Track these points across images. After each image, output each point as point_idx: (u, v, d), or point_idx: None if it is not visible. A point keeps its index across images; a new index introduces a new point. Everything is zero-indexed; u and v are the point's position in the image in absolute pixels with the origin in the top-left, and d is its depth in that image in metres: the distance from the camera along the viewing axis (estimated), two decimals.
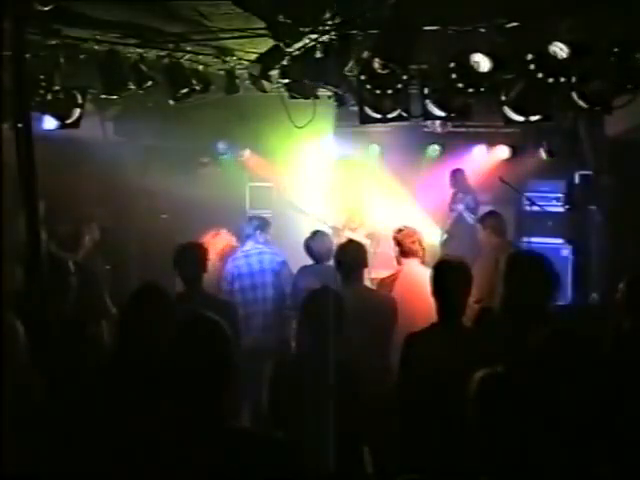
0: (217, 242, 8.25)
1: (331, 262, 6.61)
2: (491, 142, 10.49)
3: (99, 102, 7.45)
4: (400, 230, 6.30)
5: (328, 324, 4.17)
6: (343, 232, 9.29)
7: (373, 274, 7.77)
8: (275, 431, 2.92)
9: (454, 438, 3.67)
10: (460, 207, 9.87)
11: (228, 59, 6.84)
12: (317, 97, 6.60)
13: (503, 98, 5.80)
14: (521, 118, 5.78)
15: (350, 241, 6.19)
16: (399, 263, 6.27)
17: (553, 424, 2.92)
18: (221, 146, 10.71)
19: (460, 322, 4.46)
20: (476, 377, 3.09)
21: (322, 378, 3.92)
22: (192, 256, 5.72)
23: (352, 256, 5.75)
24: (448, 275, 4.57)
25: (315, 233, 6.96)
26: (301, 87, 6.34)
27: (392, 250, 6.35)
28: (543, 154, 9.64)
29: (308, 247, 6.84)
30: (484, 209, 8.88)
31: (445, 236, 10.00)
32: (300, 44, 5.83)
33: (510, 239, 8.07)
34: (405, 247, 6.21)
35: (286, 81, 6.37)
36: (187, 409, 2.67)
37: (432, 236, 9.52)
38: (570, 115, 8.53)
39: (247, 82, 6.98)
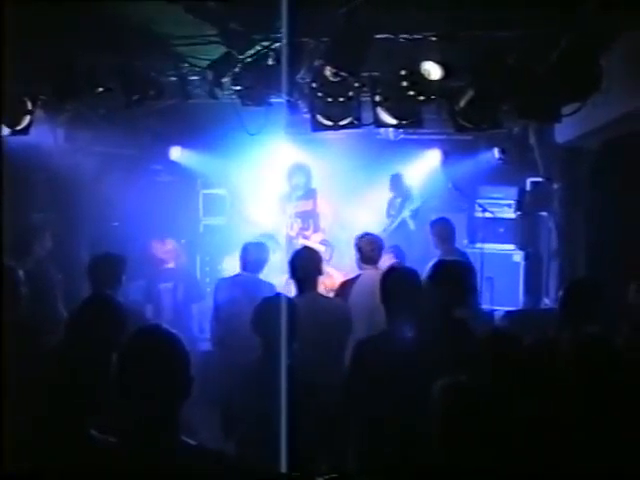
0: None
1: (260, 274, 6.65)
2: (444, 148, 10.58)
3: (50, 108, 7.36)
4: (362, 237, 6.37)
5: (279, 333, 4.16)
6: (297, 239, 9.28)
7: (328, 281, 7.82)
8: (227, 444, 2.87)
9: (407, 443, 3.73)
10: (405, 213, 9.94)
11: (180, 66, 6.80)
12: (270, 104, 6.61)
13: (454, 106, 5.88)
14: (471, 125, 5.87)
15: (304, 248, 6.21)
16: (359, 269, 6.35)
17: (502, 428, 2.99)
18: (174, 153, 10.65)
19: (410, 329, 4.51)
20: (437, 386, 3.14)
21: (274, 386, 3.91)
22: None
23: (306, 263, 5.75)
24: (397, 282, 4.63)
25: (252, 243, 6.93)
26: (253, 94, 6.34)
27: (353, 255, 6.44)
28: (495, 161, 9.77)
29: (240, 256, 6.80)
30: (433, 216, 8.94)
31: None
32: (252, 51, 5.84)
33: (457, 246, 8.15)
34: (365, 254, 6.28)
35: (238, 88, 6.37)
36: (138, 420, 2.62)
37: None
38: (521, 122, 8.67)
39: (200, 89, 6.96)
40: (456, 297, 4.72)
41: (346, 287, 6.26)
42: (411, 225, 9.79)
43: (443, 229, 7.96)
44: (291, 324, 4.27)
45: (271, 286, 6.51)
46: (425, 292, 4.64)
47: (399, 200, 10.01)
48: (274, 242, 8.18)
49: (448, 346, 4.25)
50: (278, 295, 4.60)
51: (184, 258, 8.83)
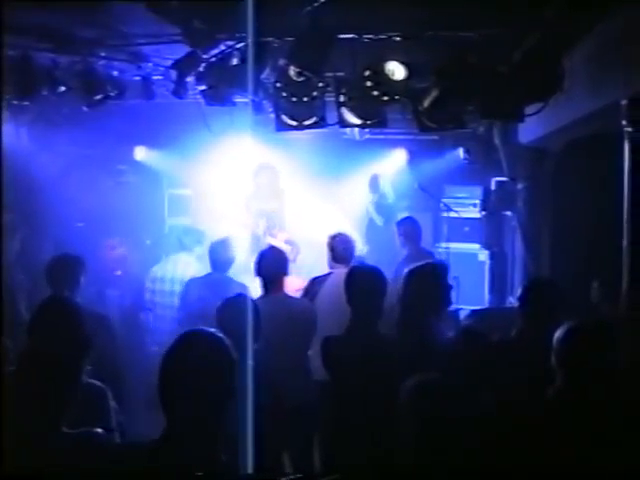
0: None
1: (229, 272, 6.63)
2: (410, 148, 10.63)
3: (12, 108, 7.27)
4: (335, 236, 6.38)
5: (243, 334, 4.15)
6: (264, 238, 9.26)
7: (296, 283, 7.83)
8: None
9: (376, 438, 3.74)
10: (369, 207, 9.99)
11: (144, 65, 6.75)
12: (234, 104, 6.58)
13: (418, 106, 5.90)
14: (436, 125, 5.89)
15: (270, 248, 6.20)
16: (331, 267, 6.37)
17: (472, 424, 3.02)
18: (139, 153, 10.57)
19: (375, 328, 4.52)
20: (408, 385, 3.16)
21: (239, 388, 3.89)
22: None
23: (272, 264, 5.74)
24: (361, 282, 4.65)
25: (217, 241, 6.89)
26: (218, 94, 6.31)
27: (319, 256, 6.45)
28: (461, 160, 9.82)
29: (210, 251, 6.79)
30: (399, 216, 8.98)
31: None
32: (216, 50, 5.81)
33: (423, 246, 8.19)
34: (337, 253, 6.29)
35: (203, 87, 6.33)
36: None
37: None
38: (485, 122, 8.73)
39: (163, 88, 6.91)
40: (433, 306, 4.75)
41: (315, 286, 6.25)
42: (378, 221, 9.83)
43: (409, 229, 8.01)
44: (255, 325, 4.26)
45: (242, 286, 6.51)
46: (401, 300, 4.66)
47: (377, 196, 10.09)
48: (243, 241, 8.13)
49: (417, 345, 4.27)
50: (242, 296, 4.59)
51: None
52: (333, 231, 6.52)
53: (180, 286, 7.02)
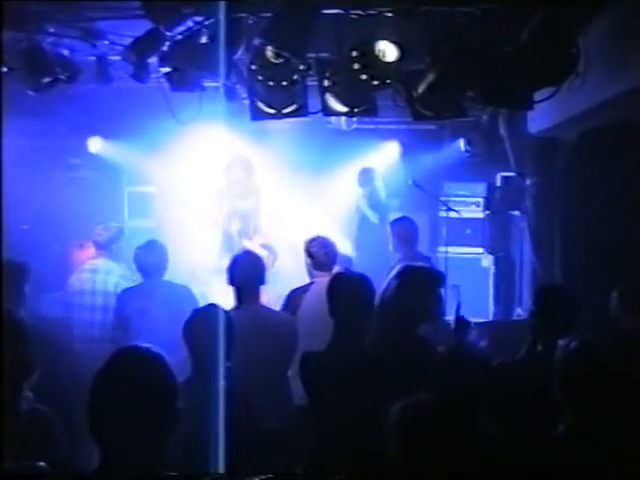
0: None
1: (164, 276, 6.67)
2: (403, 140, 10.67)
3: None
4: (312, 240, 6.37)
5: (214, 350, 4.15)
6: (238, 241, 9.26)
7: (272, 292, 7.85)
8: None
9: (360, 468, 3.75)
10: (361, 203, 10.02)
11: (99, 43, 6.73)
12: (203, 89, 6.58)
13: (413, 92, 5.92)
14: (433, 114, 5.91)
15: (245, 253, 6.20)
16: (311, 276, 6.36)
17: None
18: (94, 145, 10.54)
19: (360, 343, 4.53)
20: (396, 407, 3.17)
21: (207, 411, 3.89)
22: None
23: (247, 270, 5.73)
24: (345, 291, 4.66)
25: (142, 244, 6.86)
26: (184, 77, 6.30)
27: (304, 262, 6.45)
28: (461, 154, 9.85)
29: (135, 259, 6.79)
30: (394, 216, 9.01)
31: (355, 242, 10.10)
32: (182, 27, 5.80)
33: (419, 250, 8.21)
34: (317, 259, 6.29)
35: (167, 70, 6.32)
36: None
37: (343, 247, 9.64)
38: (489, 110, 8.76)
39: (122, 71, 6.89)
40: (422, 312, 4.78)
41: (296, 297, 6.24)
42: (372, 217, 9.87)
43: (404, 230, 8.04)
44: (228, 340, 4.26)
45: (186, 289, 6.54)
46: (386, 304, 4.68)
47: (368, 192, 10.15)
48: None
49: (406, 363, 4.27)
50: (213, 306, 4.58)
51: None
52: (309, 235, 6.52)
53: (103, 299, 7.02)
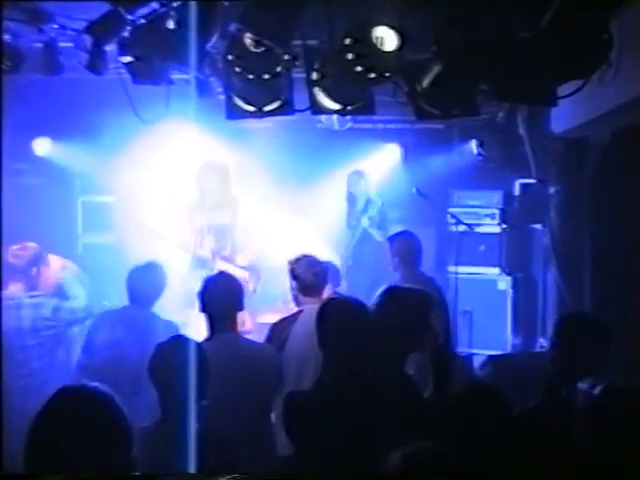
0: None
1: (153, 307, 6.67)
2: (404, 141, 10.70)
3: None
4: (298, 259, 6.37)
5: (184, 389, 4.15)
6: (214, 262, 9.27)
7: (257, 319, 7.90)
8: None
9: None
10: (364, 221, 10.03)
11: (47, 28, 6.73)
12: (171, 82, 6.59)
13: (416, 86, 5.95)
14: (439, 111, 5.94)
15: (220, 274, 6.20)
16: (299, 303, 6.34)
17: None
18: (41, 147, 10.54)
19: (353, 380, 4.54)
20: (396, 456, 3.18)
21: (178, 456, 3.90)
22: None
23: (223, 295, 5.73)
24: (337, 320, 4.67)
25: (140, 265, 6.89)
26: (148, 68, 6.32)
27: (289, 286, 6.45)
28: (473, 157, 9.88)
29: (126, 285, 6.81)
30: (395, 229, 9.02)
31: (349, 262, 10.10)
32: (146, 10, 5.82)
33: (422, 271, 8.20)
34: (304, 282, 6.29)
35: (128, 59, 6.33)
36: None
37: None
38: (505, 107, 8.80)
39: (75, 60, 6.89)
40: (413, 339, 4.79)
41: (282, 329, 6.24)
42: (377, 236, 9.89)
43: (406, 247, 8.04)
44: (200, 377, 4.27)
45: (170, 324, 6.54)
46: (372, 332, 4.69)
47: (360, 205, 10.13)
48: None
49: (405, 403, 4.29)
50: (181, 339, 4.58)
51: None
52: (295, 254, 6.52)
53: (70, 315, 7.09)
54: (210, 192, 9.45)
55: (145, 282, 6.72)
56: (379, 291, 5.11)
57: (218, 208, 9.47)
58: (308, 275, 6.31)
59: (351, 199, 10.43)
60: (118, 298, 8.23)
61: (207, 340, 5.48)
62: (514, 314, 10.05)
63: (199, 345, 4.57)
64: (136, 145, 9.61)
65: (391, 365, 4.68)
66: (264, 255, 9.84)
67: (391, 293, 5.06)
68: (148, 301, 6.68)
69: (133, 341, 6.27)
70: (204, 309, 5.72)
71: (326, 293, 6.43)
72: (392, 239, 8.18)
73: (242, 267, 9.29)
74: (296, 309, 6.41)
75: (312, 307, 5.89)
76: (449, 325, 7.61)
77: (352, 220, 10.31)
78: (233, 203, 9.59)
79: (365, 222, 10.02)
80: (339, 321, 4.71)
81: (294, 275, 6.35)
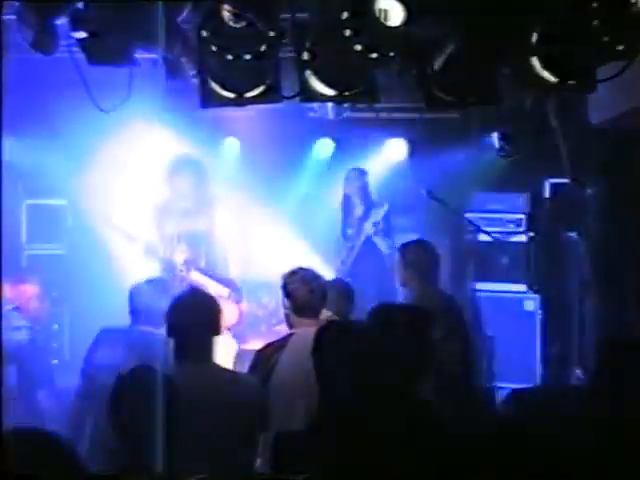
0: None
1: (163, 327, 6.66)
2: (412, 134, 10.70)
3: None
4: (293, 273, 6.36)
5: (150, 429, 4.16)
6: (185, 275, 9.27)
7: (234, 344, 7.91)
8: None
9: None
10: (367, 228, 10.01)
11: None
12: (135, 62, 6.59)
13: (426, 68, 5.97)
14: (454, 98, 5.95)
15: (193, 292, 6.21)
16: (291, 325, 6.34)
17: None
18: None
19: (363, 421, 4.54)
20: None
21: None
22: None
23: (196, 316, 5.71)
24: (339, 347, 4.68)
25: (146, 281, 7.02)
26: (107, 46, 6.32)
27: (282, 304, 6.46)
28: (494, 153, 9.90)
29: (131, 298, 6.90)
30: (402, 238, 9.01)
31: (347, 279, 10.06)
32: None
33: (440, 286, 8.18)
34: (300, 300, 6.28)
35: (82, 35, 6.33)
36: None
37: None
38: (533, 93, 8.81)
39: (18, 36, 6.89)
40: (412, 368, 4.81)
41: (268, 356, 6.23)
42: (382, 247, 9.88)
43: (422, 257, 7.93)
44: (169, 415, 4.27)
45: None
46: (379, 362, 4.70)
47: (360, 210, 10.15)
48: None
49: (415, 448, 4.29)
50: (146, 369, 4.59)
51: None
52: (287, 267, 6.52)
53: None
54: (182, 193, 9.46)
55: (149, 298, 6.85)
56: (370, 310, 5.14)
57: (192, 212, 9.48)
58: (303, 292, 6.30)
59: (348, 203, 10.42)
60: (70, 317, 8.29)
61: (177, 370, 5.45)
62: (544, 339, 10.04)
63: (167, 378, 4.56)
64: (93, 138, 9.61)
65: (397, 402, 4.68)
66: (246, 268, 9.85)
67: (383, 312, 5.09)
68: (154, 319, 6.73)
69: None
70: (173, 333, 5.69)
71: (324, 314, 6.43)
72: (404, 248, 8.05)
73: (220, 282, 9.28)
74: (281, 332, 6.43)
75: (305, 331, 5.90)
76: (469, 352, 7.61)
77: (350, 228, 10.30)
78: (209, 206, 9.60)
79: (369, 229, 9.99)
80: (341, 348, 4.70)
81: (287, 291, 6.34)
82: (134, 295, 6.95)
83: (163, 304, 6.69)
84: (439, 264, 8.02)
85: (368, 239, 9.99)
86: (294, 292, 6.32)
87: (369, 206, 10.11)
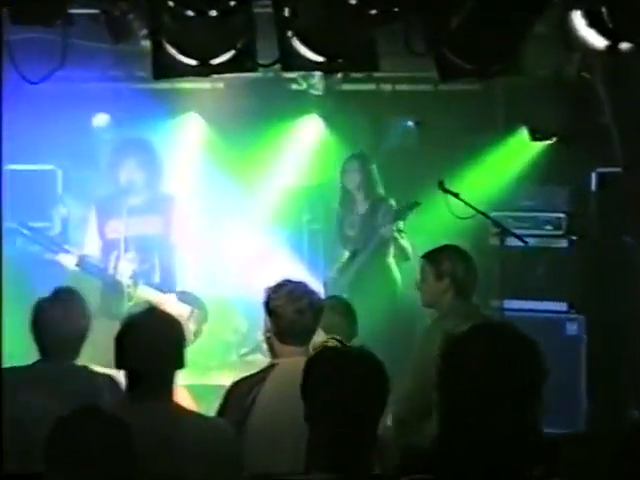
0: None
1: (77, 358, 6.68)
2: (422, 111, 10.73)
3: None
4: (279, 287, 6.31)
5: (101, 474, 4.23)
6: (132, 291, 9.29)
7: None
8: None
9: None
10: (385, 228, 9.98)
11: None
12: (70, 22, 6.63)
13: (438, 29, 6.04)
14: (473, 65, 6.01)
15: (147, 312, 6.20)
16: (273, 353, 6.36)
17: None
18: None
19: (357, 469, 4.61)
20: None
21: None
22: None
23: (149, 343, 5.73)
24: (335, 382, 4.72)
25: (56, 294, 6.89)
26: (31, 5, 6.37)
27: (263, 328, 6.45)
28: (525, 135, 9.94)
29: (35, 325, 6.76)
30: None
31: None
32: None
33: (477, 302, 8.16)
34: (285, 322, 6.24)
35: None
36: None
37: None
38: (575, 60, 8.87)
39: None
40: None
41: (244, 393, 6.25)
42: (408, 251, 9.96)
43: (457, 268, 7.86)
44: (119, 467, 4.34)
45: (105, 381, 6.56)
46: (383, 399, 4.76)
47: (364, 207, 10.32)
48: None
49: None
50: (90, 410, 4.63)
51: None
52: (269, 279, 6.52)
53: None
54: (129, 187, 9.42)
55: (61, 322, 6.72)
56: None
57: (141, 210, 9.47)
58: (290, 312, 6.20)
59: (348, 198, 10.52)
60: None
61: (128, 411, 5.47)
62: (590, 372, 10.08)
63: (116, 421, 4.61)
64: (18, 114, 9.66)
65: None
66: (212, 281, 9.88)
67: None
68: (69, 350, 6.69)
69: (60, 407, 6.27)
70: (123, 364, 5.70)
71: (319, 338, 6.43)
72: (436, 255, 7.98)
73: (179, 299, 9.28)
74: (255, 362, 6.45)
75: (291, 361, 5.93)
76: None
77: (350, 229, 10.43)
78: (164, 203, 9.60)
79: (386, 231, 10.00)
80: (339, 383, 4.72)
81: (270, 309, 6.31)
82: (38, 317, 6.67)
83: (78, 325, 6.73)
84: (477, 274, 7.95)
85: (385, 241, 10.07)
86: (278, 310, 6.28)
87: (376, 201, 10.19)
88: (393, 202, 10.13)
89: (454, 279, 7.73)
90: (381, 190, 10.30)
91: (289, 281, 6.37)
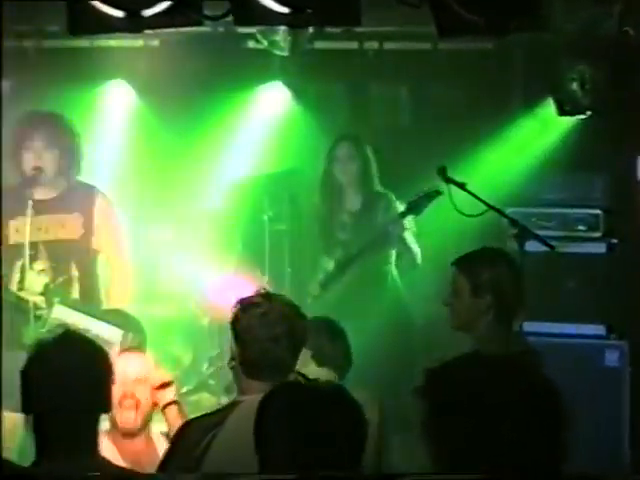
0: None
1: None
2: (419, 79, 10.77)
3: None
4: (250, 306, 6.27)
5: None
6: (47, 309, 9.27)
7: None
8: None
9: None
10: (394, 226, 9.98)
11: None
12: None
13: None
14: (485, 21, 6.06)
15: (63, 339, 6.21)
16: (239, 389, 6.35)
17: None
18: None
19: None
20: None
21: None
22: None
23: (67, 380, 5.74)
24: (297, 425, 4.75)
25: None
26: None
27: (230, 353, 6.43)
28: (551, 109, 10.00)
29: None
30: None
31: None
32: None
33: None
34: (253, 351, 6.17)
35: None
36: None
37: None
38: (617, 12, 8.91)
39: None
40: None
41: (196, 438, 6.28)
42: (417, 255, 10.00)
43: (502, 282, 7.79)
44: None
45: None
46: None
47: (357, 203, 10.36)
48: None
49: None
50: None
51: None
52: (240, 293, 6.50)
53: None
54: (37, 175, 9.38)
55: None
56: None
57: (54, 206, 9.45)
58: (262, 338, 6.23)
59: (337, 192, 10.58)
60: None
61: (43, 468, 5.48)
62: (635, 412, 10.12)
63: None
64: None
65: None
66: (149, 298, 9.91)
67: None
68: None
69: None
70: (29, 408, 5.70)
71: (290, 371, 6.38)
72: (469, 262, 7.87)
73: (105, 321, 9.24)
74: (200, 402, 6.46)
75: (257, 399, 5.92)
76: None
77: (341, 231, 10.49)
78: (84, 197, 9.59)
79: (400, 230, 10.03)
80: (297, 428, 4.74)
81: (236, 334, 6.26)
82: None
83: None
84: (525, 295, 7.80)
85: (377, 245, 10.12)
86: (246, 337, 6.23)
87: (370, 195, 10.23)
88: (391, 196, 10.18)
89: (498, 296, 7.58)
90: (376, 181, 10.33)
91: (265, 295, 6.31)
